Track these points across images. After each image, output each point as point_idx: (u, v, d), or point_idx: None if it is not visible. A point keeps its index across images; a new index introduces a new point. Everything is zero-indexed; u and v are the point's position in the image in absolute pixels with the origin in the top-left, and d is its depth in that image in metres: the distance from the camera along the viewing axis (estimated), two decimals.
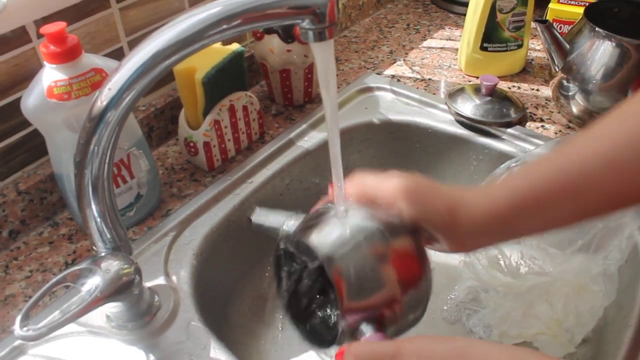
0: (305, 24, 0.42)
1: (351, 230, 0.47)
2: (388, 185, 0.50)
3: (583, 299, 0.73)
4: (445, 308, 0.83)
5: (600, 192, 0.47)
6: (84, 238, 0.73)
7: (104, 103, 0.48)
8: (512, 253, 0.80)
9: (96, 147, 0.51)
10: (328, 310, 0.52)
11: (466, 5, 1.03)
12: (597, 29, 0.84)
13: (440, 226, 0.49)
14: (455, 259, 0.88)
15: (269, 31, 0.87)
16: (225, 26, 0.44)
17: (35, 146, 0.75)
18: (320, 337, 0.51)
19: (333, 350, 0.49)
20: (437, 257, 0.90)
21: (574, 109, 0.89)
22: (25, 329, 0.49)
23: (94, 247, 0.58)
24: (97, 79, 0.63)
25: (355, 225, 0.47)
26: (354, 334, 0.46)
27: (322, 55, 0.44)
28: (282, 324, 0.81)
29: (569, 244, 0.75)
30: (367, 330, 0.46)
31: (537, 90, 1.00)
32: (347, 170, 0.96)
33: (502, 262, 0.79)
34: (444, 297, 0.84)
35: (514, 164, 0.77)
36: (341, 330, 0.46)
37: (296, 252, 0.49)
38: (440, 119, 0.92)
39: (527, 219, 0.49)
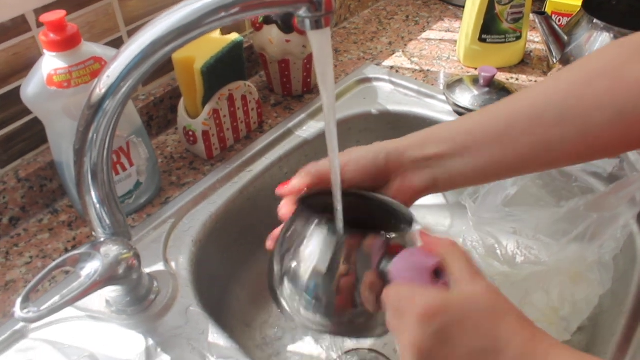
0: (302, 12, 0.43)
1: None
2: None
3: (579, 288, 0.74)
4: None
5: (524, 140, 0.50)
6: (84, 225, 0.74)
7: (103, 90, 0.49)
8: (508, 243, 0.81)
9: (95, 135, 0.51)
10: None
11: None
12: (595, 20, 0.84)
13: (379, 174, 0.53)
14: None
15: (268, 21, 0.88)
16: (223, 14, 0.44)
17: (35, 134, 0.75)
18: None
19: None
20: None
21: None
22: (25, 310, 0.49)
23: (93, 233, 0.59)
24: (96, 67, 0.64)
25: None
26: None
27: (319, 43, 0.44)
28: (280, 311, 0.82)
29: (564, 234, 0.75)
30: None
31: (536, 81, 1.00)
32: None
33: (498, 252, 0.80)
34: None
35: None
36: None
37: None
38: (438, 110, 0.93)
39: (464, 161, 0.52)
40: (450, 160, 0.52)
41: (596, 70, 0.48)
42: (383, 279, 0.45)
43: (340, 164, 0.50)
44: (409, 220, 0.49)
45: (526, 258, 0.81)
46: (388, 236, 0.46)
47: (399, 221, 0.51)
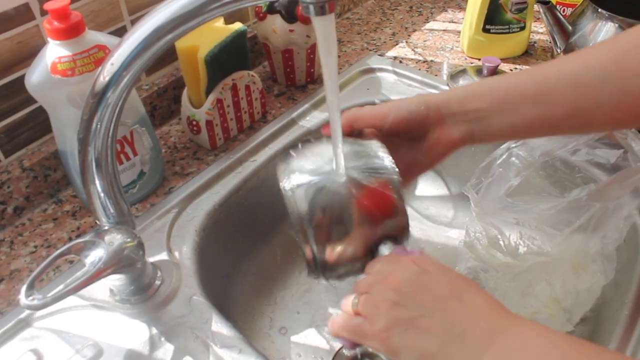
0: None
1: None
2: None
3: (581, 279, 0.74)
4: None
5: (562, 102, 0.52)
6: (88, 215, 0.74)
7: (107, 78, 0.49)
8: (511, 233, 0.80)
9: (99, 124, 0.51)
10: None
11: None
12: (599, 10, 0.84)
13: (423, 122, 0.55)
14: (455, 240, 0.89)
15: (272, 11, 0.88)
16: (226, 0, 0.44)
17: (39, 123, 0.75)
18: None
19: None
20: (437, 238, 0.91)
21: None
22: (30, 298, 0.50)
23: (97, 222, 0.59)
24: (100, 55, 0.64)
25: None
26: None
27: (323, 29, 0.44)
28: (284, 299, 0.82)
29: (567, 224, 0.75)
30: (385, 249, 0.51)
31: None
32: None
33: (501, 242, 0.80)
34: None
35: (514, 145, 0.78)
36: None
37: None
38: None
39: (502, 118, 0.54)
40: (488, 116, 0.54)
41: (638, 42, 0.49)
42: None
43: (382, 112, 0.55)
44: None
45: (529, 249, 0.81)
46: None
47: None
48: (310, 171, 0.51)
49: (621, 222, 0.70)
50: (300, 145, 0.55)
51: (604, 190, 0.71)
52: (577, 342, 0.41)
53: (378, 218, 0.50)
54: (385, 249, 0.50)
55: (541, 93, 0.52)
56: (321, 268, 0.51)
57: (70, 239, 0.71)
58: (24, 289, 0.50)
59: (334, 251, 0.50)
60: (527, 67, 1.01)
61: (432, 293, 0.44)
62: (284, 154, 0.54)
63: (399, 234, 0.52)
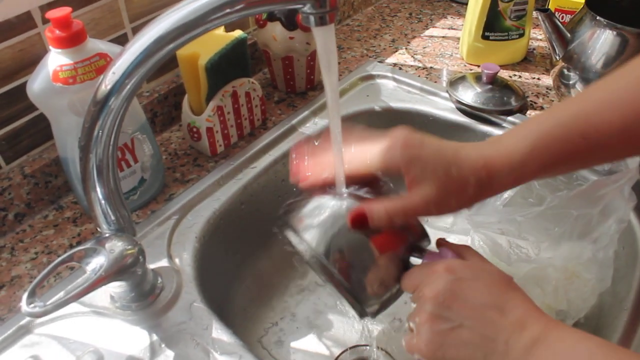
0: (307, 8, 0.43)
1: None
2: (392, 156, 0.49)
3: (574, 285, 0.74)
4: None
5: (612, 152, 0.51)
6: (89, 221, 0.74)
7: (108, 87, 0.49)
8: (502, 243, 0.81)
9: (101, 131, 0.52)
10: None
11: None
12: (598, 18, 0.84)
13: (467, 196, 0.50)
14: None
15: (272, 18, 0.88)
16: (228, 10, 0.44)
17: (40, 130, 0.76)
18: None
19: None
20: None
21: None
22: (31, 305, 0.50)
23: (98, 229, 0.60)
24: (101, 63, 0.64)
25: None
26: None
27: (324, 39, 0.44)
28: (283, 305, 0.82)
29: (546, 232, 0.75)
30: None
31: (538, 79, 1.00)
32: None
33: (499, 251, 0.80)
34: None
35: None
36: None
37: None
38: (441, 107, 0.93)
39: (541, 172, 0.51)
40: (555, 169, 0.52)
41: None
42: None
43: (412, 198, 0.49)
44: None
45: (518, 257, 0.82)
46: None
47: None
48: (317, 223, 0.50)
49: (612, 228, 0.71)
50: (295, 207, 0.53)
51: (578, 198, 0.71)
52: (617, 348, 0.42)
53: (397, 240, 0.50)
54: (415, 259, 0.50)
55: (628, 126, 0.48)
56: (365, 305, 0.51)
57: (71, 246, 0.71)
58: (25, 296, 0.50)
59: (369, 284, 0.49)
60: (526, 73, 1.01)
61: (469, 302, 0.45)
62: (284, 215, 0.52)
63: (420, 240, 0.52)
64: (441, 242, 0.54)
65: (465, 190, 0.49)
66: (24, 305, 0.50)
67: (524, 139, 0.50)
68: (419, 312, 0.46)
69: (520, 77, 1.01)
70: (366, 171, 0.51)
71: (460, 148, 0.51)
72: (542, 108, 0.93)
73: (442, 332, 0.45)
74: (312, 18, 0.43)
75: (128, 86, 0.49)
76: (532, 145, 0.49)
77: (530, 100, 0.94)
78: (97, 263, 0.54)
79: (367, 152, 0.51)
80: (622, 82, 0.50)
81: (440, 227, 0.94)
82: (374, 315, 0.52)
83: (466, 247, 0.52)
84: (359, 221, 0.48)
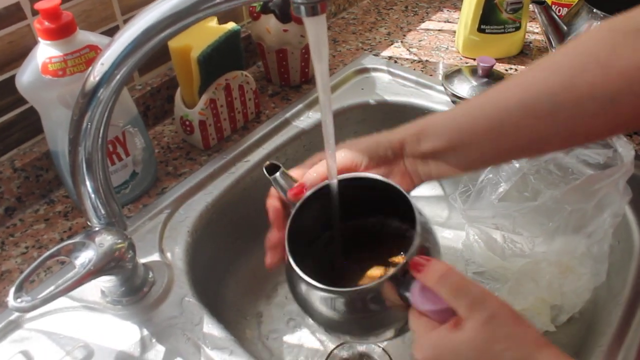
0: None
1: None
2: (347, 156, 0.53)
3: (568, 280, 0.74)
4: None
5: (515, 134, 0.50)
6: (80, 215, 0.74)
7: (97, 78, 0.48)
8: (497, 237, 0.81)
9: (89, 124, 0.51)
10: None
11: None
12: (594, 10, 0.84)
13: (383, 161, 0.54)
14: (450, 240, 0.89)
15: (266, 11, 0.87)
16: None
17: (31, 124, 0.75)
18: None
19: None
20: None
21: None
22: (19, 300, 0.49)
23: (88, 223, 0.59)
24: (92, 55, 0.63)
25: None
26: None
27: (315, 30, 0.44)
28: (276, 301, 0.82)
29: (540, 227, 0.75)
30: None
31: None
32: None
33: (493, 246, 0.80)
34: None
35: None
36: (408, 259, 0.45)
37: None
38: (436, 100, 0.92)
39: (457, 155, 0.52)
40: (444, 155, 0.52)
41: (587, 57, 0.47)
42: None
43: (352, 164, 0.53)
44: (407, 202, 0.49)
45: (512, 252, 0.81)
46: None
47: (401, 212, 0.51)
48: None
49: (606, 222, 0.70)
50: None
51: (572, 192, 0.70)
52: None
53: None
54: (411, 288, 0.45)
55: (493, 128, 0.50)
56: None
57: (61, 240, 0.71)
58: (12, 291, 0.50)
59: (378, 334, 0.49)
60: (522, 66, 1.01)
61: None
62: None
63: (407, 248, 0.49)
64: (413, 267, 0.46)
65: (395, 162, 0.53)
66: (11, 300, 0.49)
67: (457, 108, 0.54)
68: None
69: (516, 70, 1.00)
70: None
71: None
72: None
73: None
74: (303, 8, 0.42)
75: (117, 77, 0.48)
76: (465, 108, 0.53)
77: None
78: (86, 257, 0.54)
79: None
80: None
81: (435, 222, 0.93)
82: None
83: (441, 281, 0.44)
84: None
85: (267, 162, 0.54)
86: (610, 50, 0.47)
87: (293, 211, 0.50)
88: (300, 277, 0.46)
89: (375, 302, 0.45)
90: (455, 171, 0.54)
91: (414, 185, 0.55)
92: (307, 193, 0.51)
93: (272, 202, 0.54)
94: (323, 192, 0.50)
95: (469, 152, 0.52)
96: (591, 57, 0.47)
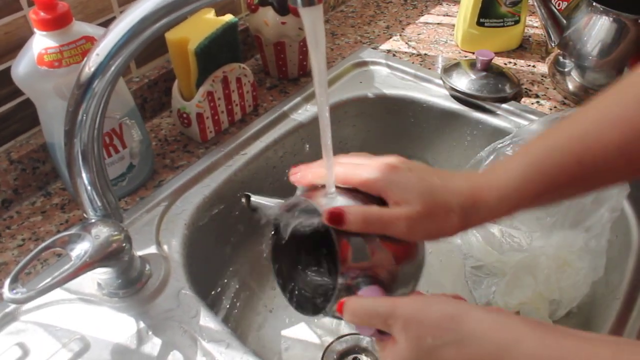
0: None
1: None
2: (372, 177, 0.48)
3: (566, 274, 0.74)
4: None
5: (611, 176, 0.49)
6: (77, 208, 0.73)
7: (92, 69, 0.48)
8: (495, 232, 0.81)
9: (85, 115, 0.51)
10: (322, 277, 0.53)
11: None
12: (594, 4, 0.83)
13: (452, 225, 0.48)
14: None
15: (264, 3, 0.87)
16: None
17: (27, 115, 0.74)
18: (311, 304, 0.51)
19: (322, 317, 0.49)
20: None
21: (570, 86, 0.89)
22: (14, 291, 0.49)
23: (84, 215, 0.59)
24: (88, 46, 0.63)
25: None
26: (350, 291, 0.46)
27: (311, 21, 0.43)
28: (273, 294, 0.82)
29: (538, 221, 0.75)
30: (364, 287, 0.46)
31: (534, 66, 0.99)
32: (342, 144, 0.96)
33: (491, 240, 0.80)
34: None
35: (500, 145, 0.77)
36: (338, 287, 0.45)
37: (298, 214, 0.50)
38: (435, 94, 0.92)
39: (536, 202, 0.49)
40: (493, 212, 0.49)
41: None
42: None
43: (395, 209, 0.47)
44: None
45: (510, 246, 0.81)
46: None
47: None
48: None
49: (604, 217, 0.70)
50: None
51: None
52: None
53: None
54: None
55: (550, 190, 0.48)
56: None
57: (58, 232, 0.70)
58: (7, 282, 0.50)
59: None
60: (522, 60, 1.00)
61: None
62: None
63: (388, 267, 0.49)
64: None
65: (448, 216, 0.47)
66: (6, 292, 0.49)
67: (516, 167, 0.48)
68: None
69: (515, 64, 1.00)
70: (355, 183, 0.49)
71: (450, 176, 0.49)
72: (536, 95, 0.92)
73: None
74: None
75: (112, 68, 0.48)
76: (523, 173, 0.48)
77: (525, 88, 0.93)
78: (81, 249, 0.53)
79: (355, 167, 0.49)
80: (619, 99, 0.47)
81: None
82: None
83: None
84: (334, 219, 0.45)
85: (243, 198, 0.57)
86: None
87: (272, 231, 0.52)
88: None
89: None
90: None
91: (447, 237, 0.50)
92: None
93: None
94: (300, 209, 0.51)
95: (555, 196, 0.51)
96: None
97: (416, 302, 0.44)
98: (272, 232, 0.52)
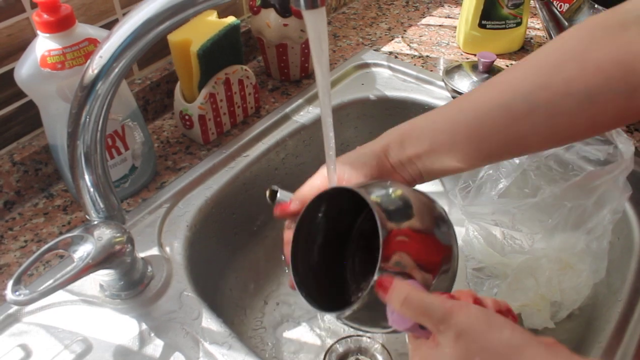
0: None
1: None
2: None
3: (567, 276, 0.74)
4: None
5: (495, 134, 0.50)
6: (79, 209, 0.74)
7: (95, 71, 0.48)
8: (497, 234, 0.80)
9: (88, 117, 0.51)
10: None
11: None
12: (596, 5, 0.84)
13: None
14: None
15: (266, 5, 0.87)
16: None
17: (30, 117, 0.75)
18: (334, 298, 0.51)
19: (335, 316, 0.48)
20: None
21: None
22: (17, 293, 0.49)
23: (87, 217, 0.59)
24: (91, 48, 0.63)
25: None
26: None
27: (314, 23, 0.43)
28: (275, 296, 0.82)
29: (540, 223, 0.75)
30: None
31: None
32: (343, 146, 0.96)
33: (493, 242, 0.80)
34: None
35: None
36: (375, 280, 0.43)
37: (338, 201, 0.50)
38: (437, 96, 0.92)
39: (440, 158, 0.52)
40: (428, 158, 0.53)
41: (564, 54, 0.47)
42: None
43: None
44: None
45: (512, 248, 0.81)
46: None
47: None
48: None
49: (606, 219, 0.70)
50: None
51: (572, 189, 0.70)
52: None
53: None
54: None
55: (472, 130, 0.50)
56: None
57: (60, 234, 0.70)
58: (10, 284, 0.50)
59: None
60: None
61: None
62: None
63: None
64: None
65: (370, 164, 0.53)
66: (8, 293, 0.49)
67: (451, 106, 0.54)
68: None
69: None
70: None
71: None
72: None
73: None
74: (302, 0, 0.41)
75: (116, 70, 0.48)
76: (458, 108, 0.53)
77: None
78: (84, 251, 0.53)
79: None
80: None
81: None
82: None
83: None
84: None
85: (268, 191, 0.56)
86: (588, 45, 0.46)
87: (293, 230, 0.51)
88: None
89: (356, 320, 0.47)
90: (442, 173, 0.54)
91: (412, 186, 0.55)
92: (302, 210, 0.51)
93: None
94: (315, 207, 0.50)
95: (452, 154, 0.52)
96: (568, 54, 0.47)
97: (478, 317, 0.40)
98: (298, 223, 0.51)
